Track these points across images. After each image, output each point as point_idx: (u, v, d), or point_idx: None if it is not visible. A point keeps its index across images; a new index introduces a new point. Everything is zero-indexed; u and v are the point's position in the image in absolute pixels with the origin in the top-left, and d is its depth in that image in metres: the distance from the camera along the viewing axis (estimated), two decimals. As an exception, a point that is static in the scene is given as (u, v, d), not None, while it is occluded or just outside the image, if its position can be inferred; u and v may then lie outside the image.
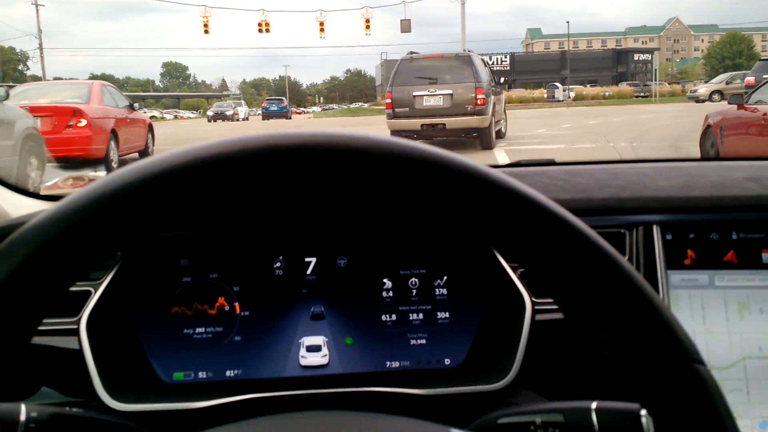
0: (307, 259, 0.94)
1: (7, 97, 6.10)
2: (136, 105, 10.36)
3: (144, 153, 10.22)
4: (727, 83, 26.60)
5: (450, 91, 10.59)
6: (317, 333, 0.91)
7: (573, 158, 1.29)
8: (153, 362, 0.90)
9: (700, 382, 0.43)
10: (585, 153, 9.82)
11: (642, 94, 39.03)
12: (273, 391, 0.85)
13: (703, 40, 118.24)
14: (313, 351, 0.91)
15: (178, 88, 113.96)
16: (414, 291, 0.94)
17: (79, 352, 0.82)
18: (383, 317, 0.93)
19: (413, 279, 0.94)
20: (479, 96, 10.43)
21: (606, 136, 11.96)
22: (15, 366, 0.57)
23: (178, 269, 0.92)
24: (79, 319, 0.84)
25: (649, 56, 64.72)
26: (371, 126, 17.61)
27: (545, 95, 36.82)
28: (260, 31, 33.80)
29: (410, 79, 10.82)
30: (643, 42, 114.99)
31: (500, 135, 12.28)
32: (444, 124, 10.56)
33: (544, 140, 12.16)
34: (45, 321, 0.43)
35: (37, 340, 0.68)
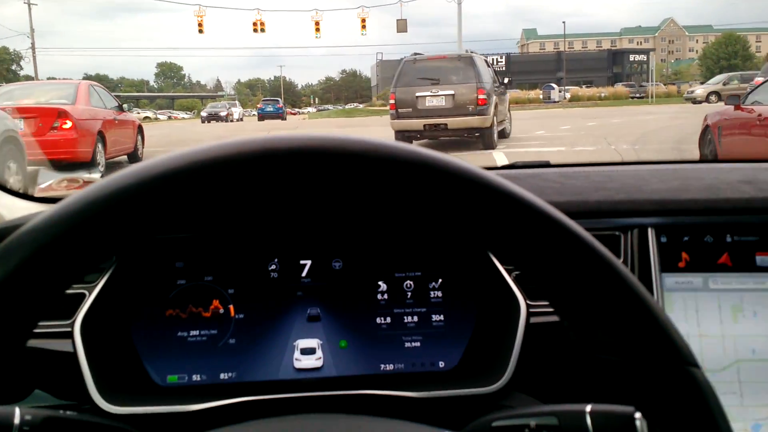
0: (302, 262, 0.93)
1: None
2: (125, 106, 10.13)
3: (133, 155, 9.98)
4: (724, 84, 26.64)
5: (452, 92, 10.78)
6: (311, 336, 0.91)
7: (574, 161, 1.27)
8: (147, 365, 0.89)
9: (695, 386, 0.43)
10: (586, 156, 9.66)
11: (638, 95, 39.07)
12: (267, 394, 0.84)
13: (697, 41, 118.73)
14: (308, 354, 0.90)
15: (172, 88, 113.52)
16: (409, 293, 0.94)
17: (73, 354, 0.82)
18: (378, 320, 0.93)
19: (408, 281, 0.94)
20: (480, 96, 10.62)
21: (606, 138, 11.84)
22: (9, 369, 0.54)
23: (173, 272, 0.92)
24: (73, 322, 0.84)
25: (645, 57, 64.88)
26: (368, 127, 17.47)
27: (541, 96, 36.72)
28: (255, 30, 33.65)
29: (413, 80, 11.03)
30: (638, 42, 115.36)
31: (504, 135, 12.49)
32: (446, 124, 10.72)
33: (543, 142, 11.96)
34: (39, 324, 0.43)
35: (30, 342, 0.66)
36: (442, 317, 0.94)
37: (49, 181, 1.47)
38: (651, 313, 0.44)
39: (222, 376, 0.90)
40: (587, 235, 0.45)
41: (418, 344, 0.93)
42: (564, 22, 75.11)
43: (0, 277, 0.40)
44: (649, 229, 0.92)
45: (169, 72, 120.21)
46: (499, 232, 0.44)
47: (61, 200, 0.42)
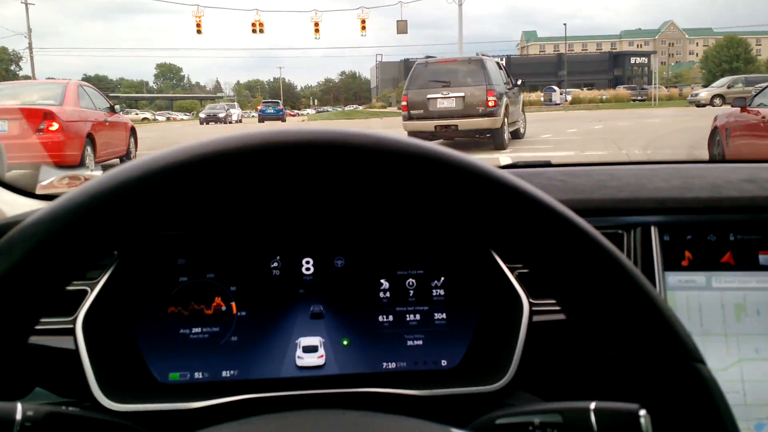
0: (304, 260, 0.93)
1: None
2: (117, 107, 9.78)
3: (125, 159, 9.64)
4: (728, 87, 26.40)
5: (462, 94, 11.06)
6: (314, 333, 0.91)
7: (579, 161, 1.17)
8: (149, 362, 0.89)
9: (701, 382, 0.43)
10: (597, 160, 9.29)
11: (639, 98, 38.92)
12: (269, 391, 0.84)
13: (698, 44, 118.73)
14: (310, 352, 0.90)
15: (172, 89, 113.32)
16: (411, 292, 0.93)
17: (75, 351, 0.81)
18: (380, 318, 0.92)
19: (410, 280, 0.94)
20: (490, 98, 10.88)
21: (617, 143, 11.70)
22: (10, 366, 0.50)
23: (175, 269, 0.91)
24: (75, 319, 0.83)
25: (646, 59, 64.72)
26: (369, 128, 17.08)
27: (542, 98, 36.51)
28: (254, 31, 33.39)
29: (425, 82, 11.38)
30: (638, 45, 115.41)
31: (518, 135, 12.78)
32: (456, 126, 11.04)
33: (551, 146, 11.82)
34: (40, 320, 0.43)
35: (32, 339, 0.65)
36: (444, 315, 0.93)
37: (51, 179, 1.43)
38: (657, 309, 0.44)
39: (224, 373, 0.89)
40: (594, 231, 0.44)
41: (420, 342, 0.92)
42: (565, 24, 75.14)
43: (2, 271, 0.40)
44: (652, 228, 0.92)
45: (168, 73, 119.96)
46: (506, 228, 0.43)
47: (61, 196, 0.42)
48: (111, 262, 0.86)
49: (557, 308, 0.46)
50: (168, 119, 49.53)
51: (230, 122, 32.67)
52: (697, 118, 13.66)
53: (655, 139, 12.26)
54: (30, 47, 39.40)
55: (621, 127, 15.80)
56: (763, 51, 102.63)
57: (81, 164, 7.86)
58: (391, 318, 0.92)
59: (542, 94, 37.60)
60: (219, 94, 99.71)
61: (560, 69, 58.97)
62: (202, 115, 34.29)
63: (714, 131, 7.71)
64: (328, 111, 66.67)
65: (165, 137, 17.74)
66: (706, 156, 7.84)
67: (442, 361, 0.91)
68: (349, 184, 0.42)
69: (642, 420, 0.44)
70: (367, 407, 0.83)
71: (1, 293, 0.40)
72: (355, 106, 75.88)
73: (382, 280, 0.93)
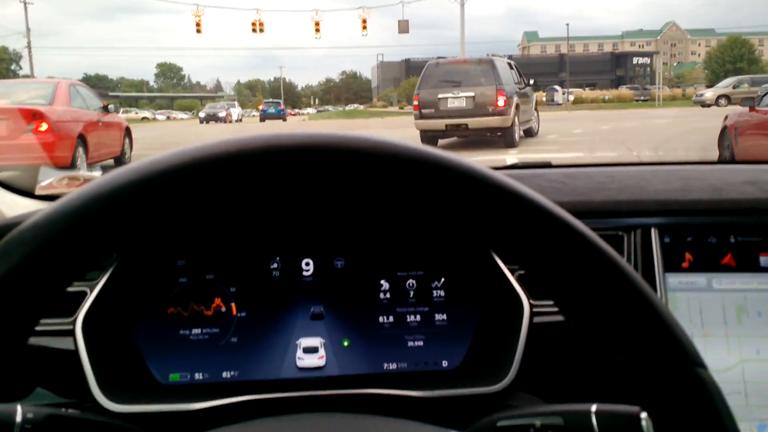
0: (304, 261, 0.93)
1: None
2: (110, 106, 9.51)
3: (119, 160, 9.42)
4: (734, 87, 26.09)
5: (472, 93, 11.27)
6: (314, 334, 0.90)
7: (580, 162, 1.14)
8: (149, 363, 0.88)
9: (701, 386, 0.43)
10: (606, 161, 9.03)
11: (642, 98, 38.64)
12: (269, 392, 0.83)
13: (700, 45, 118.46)
14: (310, 352, 0.89)
15: (172, 88, 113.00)
16: (411, 293, 0.93)
17: (75, 352, 0.81)
18: (380, 319, 0.92)
19: (410, 281, 0.93)
20: (500, 98, 11.04)
21: (625, 143, 11.48)
22: (10, 367, 0.51)
23: (175, 270, 0.91)
24: (75, 320, 0.83)
25: (649, 60, 64.40)
26: (370, 129, 16.79)
27: (544, 98, 36.21)
28: (254, 30, 33.21)
29: (436, 82, 11.68)
30: (639, 46, 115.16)
31: (531, 133, 12.97)
32: (467, 125, 11.24)
33: (558, 147, 11.63)
34: (40, 321, 0.43)
35: (32, 340, 0.65)
36: (444, 316, 0.92)
37: (50, 179, 1.39)
38: (657, 312, 0.44)
39: (224, 374, 0.89)
40: (593, 235, 0.44)
41: (421, 343, 0.91)
42: (568, 24, 74.88)
43: (2, 273, 0.40)
44: (653, 230, 0.92)
45: (169, 72, 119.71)
46: (505, 232, 0.43)
47: (61, 197, 0.42)
48: (110, 263, 0.86)
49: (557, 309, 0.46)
50: (168, 118, 49.31)
51: (230, 121, 32.58)
52: (705, 118, 13.46)
53: (664, 140, 12.04)
54: (29, 46, 39.17)
55: (628, 128, 15.59)
56: (766, 51, 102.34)
57: (72, 165, 7.61)
58: (391, 319, 0.92)
59: (544, 93, 37.35)
60: (219, 94, 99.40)
61: (562, 69, 58.74)
62: (201, 114, 34.15)
63: (723, 132, 7.66)
64: (328, 110, 66.47)
65: (161, 137, 17.40)
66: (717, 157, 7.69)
67: (443, 362, 0.91)
68: (348, 187, 0.43)
69: (643, 423, 0.44)
70: (367, 408, 0.80)
71: (1, 295, 0.40)
72: (356, 105, 75.62)
73: (382, 281, 0.92)
